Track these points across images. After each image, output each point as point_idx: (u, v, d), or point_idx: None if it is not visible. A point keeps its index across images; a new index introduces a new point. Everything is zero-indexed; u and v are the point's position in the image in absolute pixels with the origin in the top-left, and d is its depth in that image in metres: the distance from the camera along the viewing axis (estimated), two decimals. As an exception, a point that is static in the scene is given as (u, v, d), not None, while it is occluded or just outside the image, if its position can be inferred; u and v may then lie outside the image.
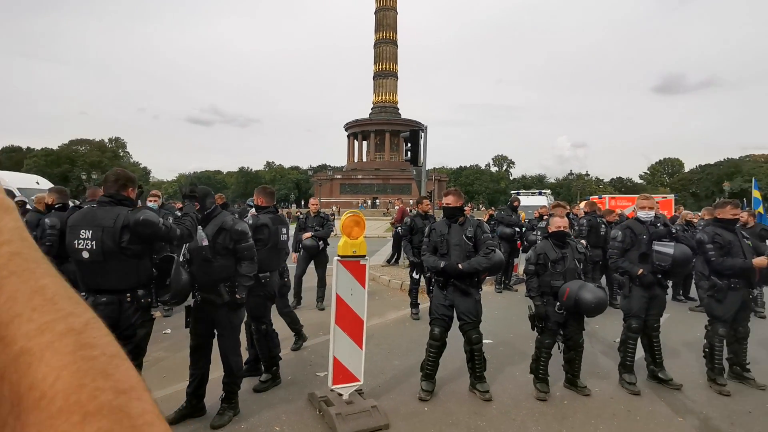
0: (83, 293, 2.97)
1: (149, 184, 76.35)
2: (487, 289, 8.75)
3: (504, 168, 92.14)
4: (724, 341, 4.26)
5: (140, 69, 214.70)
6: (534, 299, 4.00)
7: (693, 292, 7.97)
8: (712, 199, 55.28)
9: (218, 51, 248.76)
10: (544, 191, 25.31)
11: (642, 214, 4.32)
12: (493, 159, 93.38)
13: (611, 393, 4.06)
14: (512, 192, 21.53)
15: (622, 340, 4.30)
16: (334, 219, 10.52)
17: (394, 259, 11.85)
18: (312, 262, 7.14)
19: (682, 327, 6.05)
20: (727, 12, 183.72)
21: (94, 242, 2.83)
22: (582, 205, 10.54)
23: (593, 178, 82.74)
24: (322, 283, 7.12)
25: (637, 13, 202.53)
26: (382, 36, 57.59)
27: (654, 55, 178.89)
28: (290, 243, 5.09)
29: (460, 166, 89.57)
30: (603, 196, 24.20)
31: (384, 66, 57.87)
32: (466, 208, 4.71)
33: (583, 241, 7.13)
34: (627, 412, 3.71)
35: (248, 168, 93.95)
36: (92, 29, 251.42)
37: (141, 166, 77.24)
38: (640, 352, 4.34)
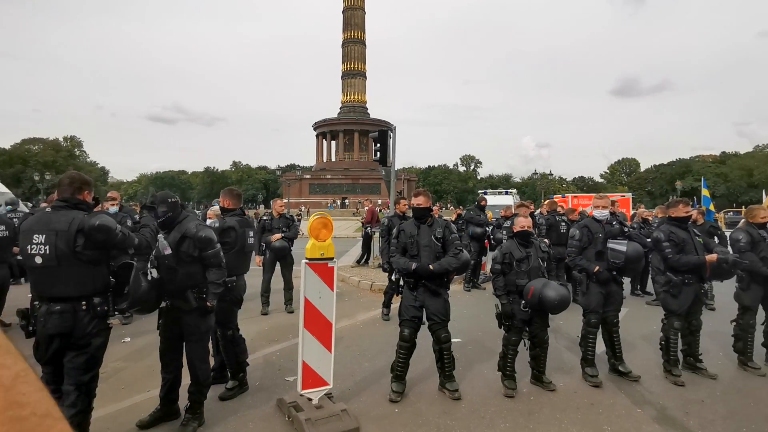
0: (36, 302, 2.82)
1: (107, 185, 73.22)
2: (456, 288, 8.87)
3: (471, 168, 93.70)
4: (679, 334, 4.48)
5: (97, 65, 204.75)
6: (500, 298, 4.07)
7: (650, 286, 8.37)
8: (666, 198, 58.15)
9: (181, 47, 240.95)
10: (510, 190, 25.88)
11: (597, 214, 4.48)
12: (461, 159, 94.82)
13: (575, 387, 4.19)
14: (479, 191, 21.90)
15: (582, 335, 4.45)
16: (300, 220, 10.38)
17: (363, 260, 11.83)
18: (278, 264, 7.04)
19: (640, 321, 6.32)
20: (678, 21, 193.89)
21: (47, 247, 2.70)
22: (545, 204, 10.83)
23: (557, 178, 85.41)
24: (289, 286, 7.02)
25: (596, 20, 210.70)
26: (350, 36, 57.39)
27: (611, 59, 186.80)
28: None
29: (429, 166, 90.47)
30: (566, 195, 25.00)
31: (352, 65, 57.70)
32: (434, 208, 4.74)
33: (546, 240, 7.33)
34: (590, 405, 3.83)
35: (214, 168, 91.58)
36: (46, 23, 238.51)
37: (98, 165, 73.86)
38: (601, 347, 4.49)
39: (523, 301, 3.97)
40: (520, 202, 7.23)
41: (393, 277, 4.20)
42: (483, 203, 9.33)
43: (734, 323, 4.77)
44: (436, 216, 4.32)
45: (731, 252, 4.75)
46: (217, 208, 5.18)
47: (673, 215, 4.59)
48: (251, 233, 4.31)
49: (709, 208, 11.62)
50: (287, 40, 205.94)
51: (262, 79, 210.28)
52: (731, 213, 28.18)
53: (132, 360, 4.88)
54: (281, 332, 5.91)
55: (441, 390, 4.03)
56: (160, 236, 3.23)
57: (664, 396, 4.01)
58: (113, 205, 6.09)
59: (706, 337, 4.74)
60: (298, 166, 79.39)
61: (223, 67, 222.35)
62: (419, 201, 4.07)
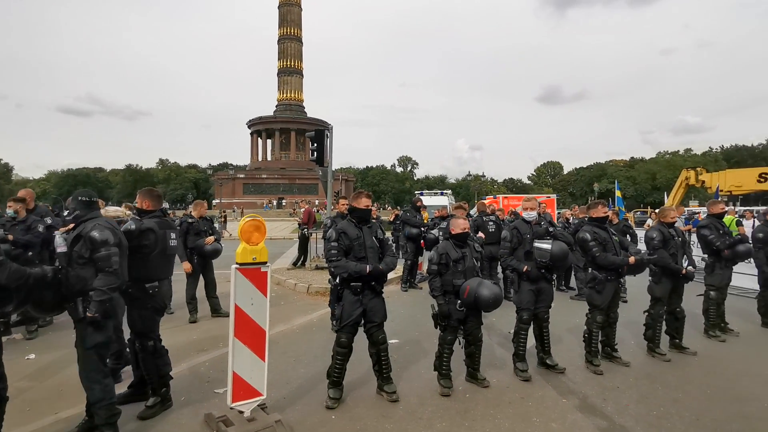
0: None
1: (11, 183, 65.61)
2: (393, 288, 8.94)
3: (408, 168, 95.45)
4: (600, 328, 4.80)
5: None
6: (437, 298, 4.11)
7: (573, 282, 8.97)
8: (585, 199, 63.09)
9: (97, 33, 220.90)
10: (445, 191, 26.63)
11: (526, 215, 4.70)
12: (398, 160, 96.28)
13: (507, 382, 4.34)
14: (416, 192, 22.31)
15: (515, 332, 4.63)
16: (225, 221, 9.93)
17: (300, 262, 11.56)
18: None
19: (565, 315, 6.71)
20: (593, 37, 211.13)
21: None
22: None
23: (489, 179, 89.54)
24: (214, 285, 6.77)
25: (522, 31, 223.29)
26: (287, 32, 56.11)
27: (537, 68, 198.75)
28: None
29: (367, 167, 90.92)
30: (497, 195, 26.20)
31: (289, 63, 56.44)
32: (372, 209, 4.70)
33: (482, 235, 7.59)
34: (521, 398, 3.99)
35: (137, 165, 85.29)
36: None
37: (1, 162, 65.94)
38: (530, 341, 4.70)
39: (459, 301, 4.04)
40: (458, 204, 7.39)
41: (332, 283, 4.07)
42: (419, 204, 9.46)
43: (646, 313, 5.20)
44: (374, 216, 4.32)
45: (644, 248, 5.19)
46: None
47: (593, 216, 4.92)
48: (173, 235, 3.99)
49: (621, 209, 12.71)
50: (220, 33, 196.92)
51: (192, 72, 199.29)
52: (639, 213, 31.24)
53: (38, 379, 4.35)
54: (211, 341, 5.58)
55: (379, 393, 3.99)
56: (57, 233, 3.04)
57: (585, 385, 4.28)
58: (12, 208, 5.40)
59: (619, 327, 5.12)
60: (232, 165, 76.27)
61: (146, 57, 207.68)
62: (368, 203, 4.01)
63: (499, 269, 8.01)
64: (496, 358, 4.98)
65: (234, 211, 44.29)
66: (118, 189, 75.12)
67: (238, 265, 3.29)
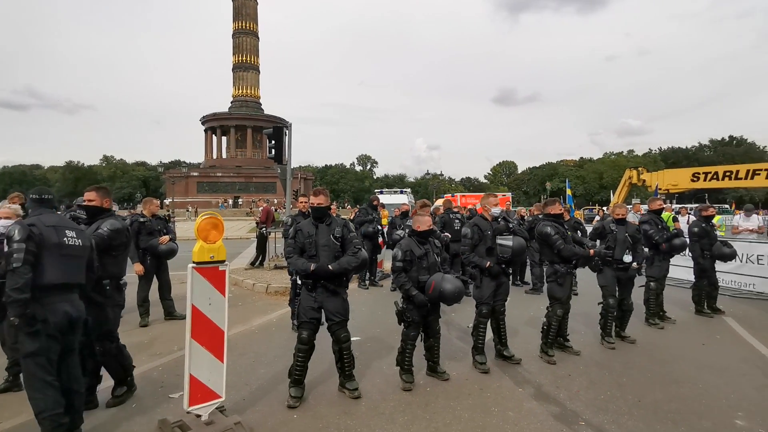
0: None
1: (-67, 181, 59.80)
2: (353, 286, 8.93)
3: (368, 167, 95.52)
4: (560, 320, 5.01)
5: None
6: (409, 290, 4.08)
7: (528, 277, 9.31)
8: (538, 197, 65.52)
9: (33, 22, 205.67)
10: (405, 190, 26.94)
11: (494, 211, 4.83)
12: (357, 158, 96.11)
13: (466, 374, 4.46)
14: (376, 191, 22.38)
15: (474, 325, 4.76)
16: (172, 220, 9.60)
17: (258, 261, 11.32)
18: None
19: (520, 308, 6.97)
20: (544, 41, 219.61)
21: None
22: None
23: (447, 178, 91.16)
24: (168, 287, 6.54)
25: (479, 33, 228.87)
26: (242, 26, 54.48)
27: (493, 70, 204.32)
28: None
29: (326, 165, 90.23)
30: (455, 194, 26.75)
31: (244, 58, 54.84)
32: (332, 207, 4.69)
33: (448, 234, 7.71)
34: (479, 390, 4.11)
35: (79, 162, 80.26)
36: None
37: None
38: (488, 334, 4.85)
39: (425, 296, 4.11)
40: (423, 201, 7.47)
41: (291, 279, 4.06)
42: (375, 202, 9.45)
43: (600, 304, 5.51)
44: (334, 215, 4.27)
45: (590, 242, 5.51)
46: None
47: (551, 212, 5.14)
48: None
49: (572, 206, 13.35)
50: (169, 24, 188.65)
51: (139, 65, 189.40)
52: (587, 210, 32.97)
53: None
54: (164, 345, 5.36)
55: (341, 390, 3.99)
56: None
57: (540, 375, 4.47)
58: None
59: (571, 318, 5.38)
60: (185, 162, 73.41)
61: (88, 48, 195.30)
62: (319, 200, 3.98)
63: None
64: (456, 352, 5.10)
65: (188, 211, 42.64)
66: (58, 187, 70.32)
67: (195, 264, 3.19)
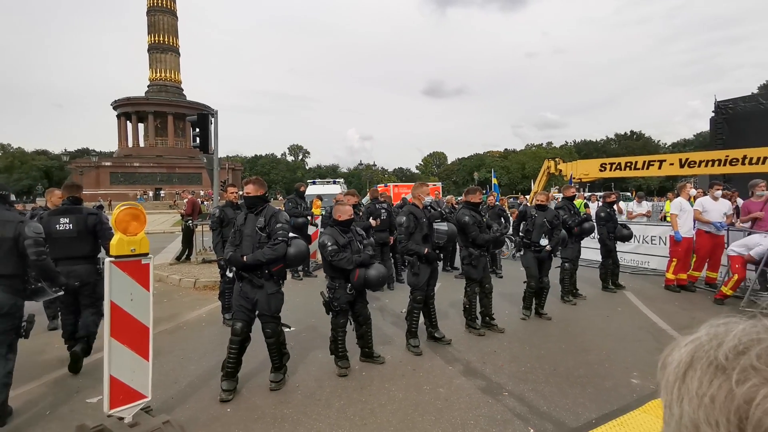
0: None
1: None
2: (288, 277, 8.80)
3: (300, 157, 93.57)
4: (477, 297, 5.36)
5: None
6: (353, 260, 4.13)
7: (457, 262, 9.75)
8: (467, 186, 68.23)
9: None
10: (338, 180, 26.83)
11: (427, 200, 5.01)
12: (289, 148, 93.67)
13: (400, 357, 4.63)
14: (309, 181, 22.07)
15: (408, 311, 4.93)
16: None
17: (185, 256, 10.74)
18: None
19: (450, 292, 7.30)
20: (470, 36, 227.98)
21: None
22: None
23: (380, 168, 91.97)
24: None
25: (409, 25, 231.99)
26: (157, 2, 50.29)
27: (423, 62, 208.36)
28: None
29: (256, 155, 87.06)
30: (388, 184, 27.11)
31: (161, 38, 50.73)
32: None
33: (373, 221, 7.81)
34: (413, 370, 4.29)
35: (-35, 151, 70.26)
36: None
37: None
38: (420, 319, 5.05)
39: (349, 284, 4.18)
40: (349, 191, 7.50)
41: (228, 273, 3.98)
42: (302, 189, 9.24)
43: (525, 283, 5.99)
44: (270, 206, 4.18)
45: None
46: None
47: (471, 200, 5.43)
48: None
49: (497, 194, 14.13)
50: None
51: (33, 42, 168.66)
52: (511, 198, 35.02)
53: None
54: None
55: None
56: None
57: (468, 352, 4.75)
58: None
59: (496, 298, 5.77)
60: (94, 151, 66.97)
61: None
62: (248, 189, 3.90)
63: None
64: (390, 337, 5.26)
65: (100, 204, 39.08)
66: (-60, 179, 61.17)
67: (113, 258, 2.99)
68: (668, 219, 9.00)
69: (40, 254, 3.38)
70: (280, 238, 3.80)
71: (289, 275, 8.84)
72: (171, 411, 3.42)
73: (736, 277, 6.46)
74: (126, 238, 3.05)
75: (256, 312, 3.88)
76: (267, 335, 3.87)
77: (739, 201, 9.13)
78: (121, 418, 3.03)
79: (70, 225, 4.31)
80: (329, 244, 4.16)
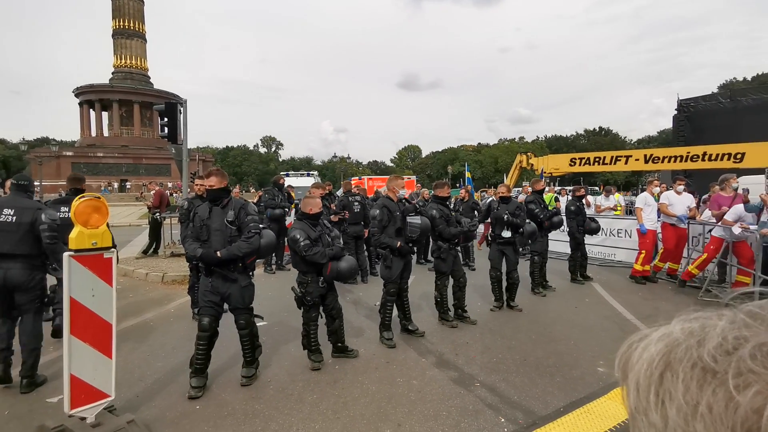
0: None
1: None
2: (258, 271, 8.67)
3: (273, 149, 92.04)
4: (449, 290, 5.43)
5: None
6: (325, 254, 4.10)
7: (429, 255, 9.81)
8: (441, 180, 68.77)
9: None
10: (312, 172, 26.56)
11: (402, 193, 5.00)
12: (261, 140, 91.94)
13: (374, 350, 4.63)
14: (282, 173, 21.75)
15: (382, 303, 4.92)
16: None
17: (152, 249, 10.42)
18: None
19: (423, 285, 7.34)
20: (444, 30, 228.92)
21: None
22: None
23: (354, 161, 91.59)
24: None
25: (383, 17, 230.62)
26: (123, -15, 48.14)
27: (397, 55, 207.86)
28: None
29: (227, 146, 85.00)
30: (363, 177, 27.02)
31: (126, 23, 48.61)
32: (234, 190, 4.47)
33: (346, 213, 7.76)
34: (386, 363, 4.29)
35: None
36: None
37: None
38: (394, 311, 5.06)
39: (321, 278, 4.14)
40: (317, 183, 7.41)
41: (189, 265, 3.85)
42: (281, 181, 9.14)
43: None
44: (237, 197, 4.08)
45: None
46: None
47: (439, 194, 5.47)
48: None
49: (471, 188, 14.28)
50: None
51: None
52: (483, 191, 35.54)
53: None
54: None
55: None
56: None
57: (441, 344, 4.80)
58: None
59: (469, 291, 5.82)
60: (55, 140, 63.81)
61: None
62: (210, 182, 3.75)
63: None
64: (363, 330, 5.24)
65: (61, 195, 37.41)
66: None
67: (72, 252, 2.85)
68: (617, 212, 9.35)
69: (52, 238, 3.75)
70: (254, 231, 3.74)
71: (260, 269, 8.71)
72: (136, 410, 3.31)
73: (705, 256, 6.76)
74: (87, 231, 2.91)
75: (225, 306, 3.81)
76: (240, 326, 3.80)
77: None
78: (83, 418, 2.91)
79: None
80: (301, 239, 4.08)
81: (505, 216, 5.92)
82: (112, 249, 3.06)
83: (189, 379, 3.64)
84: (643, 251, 7.73)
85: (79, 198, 2.96)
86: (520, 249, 6.30)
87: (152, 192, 11.84)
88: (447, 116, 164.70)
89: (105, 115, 50.75)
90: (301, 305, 4.20)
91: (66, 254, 2.85)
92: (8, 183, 7.42)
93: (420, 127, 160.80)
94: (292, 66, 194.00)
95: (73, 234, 2.88)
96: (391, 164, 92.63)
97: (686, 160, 9.62)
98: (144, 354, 4.49)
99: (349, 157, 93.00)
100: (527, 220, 6.25)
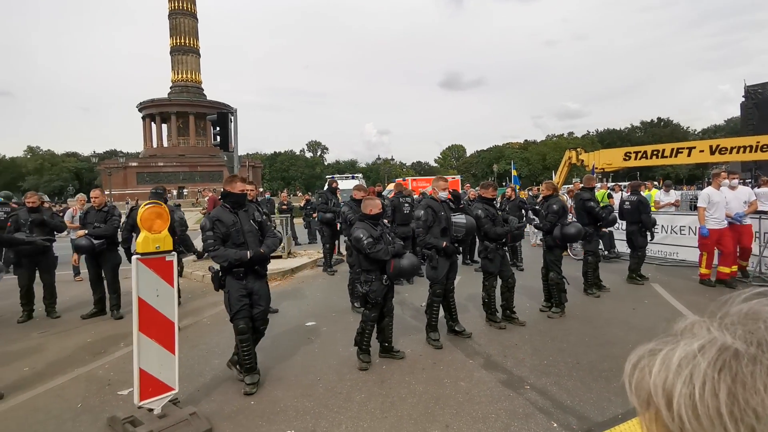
0: None
1: None
2: (308, 273, 8.91)
3: (318, 153, 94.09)
4: (497, 291, 5.32)
5: None
6: (390, 250, 4.19)
7: (476, 255, 9.67)
8: (487, 179, 67.49)
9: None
10: (356, 175, 26.94)
11: (441, 194, 4.99)
12: (307, 145, 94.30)
13: (420, 351, 4.63)
14: (327, 177, 22.19)
15: (428, 304, 4.92)
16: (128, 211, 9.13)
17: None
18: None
19: (470, 286, 7.24)
20: (487, 26, 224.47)
21: None
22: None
23: (398, 162, 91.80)
24: (113, 289, 6.16)
25: (424, 17, 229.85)
26: (179, 6, 51.20)
27: (439, 54, 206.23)
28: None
29: (275, 152, 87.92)
30: (407, 178, 27.05)
31: (183, 40, 51.73)
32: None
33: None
34: (433, 364, 4.29)
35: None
36: None
37: None
38: (440, 312, 5.04)
39: (385, 275, 4.21)
40: (358, 185, 7.50)
41: (213, 270, 3.92)
42: (335, 185, 9.32)
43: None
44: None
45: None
46: None
47: (484, 195, 5.39)
48: None
49: (517, 187, 13.92)
50: (94, 3, 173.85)
51: (60, 46, 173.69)
52: (530, 191, 34.46)
53: None
54: (107, 342, 5.13)
55: (240, 380, 3.94)
56: None
57: (489, 346, 4.72)
58: None
59: (517, 291, 5.69)
60: (122, 152, 68.83)
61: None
62: (243, 187, 3.94)
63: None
64: (410, 330, 5.26)
65: (128, 203, 40.20)
66: (-23, 182, 63.91)
67: (139, 255, 3.08)
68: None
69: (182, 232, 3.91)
70: (273, 228, 4.14)
71: (311, 271, 8.93)
72: (197, 403, 3.51)
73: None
74: (151, 236, 3.14)
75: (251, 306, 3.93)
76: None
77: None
78: (151, 410, 3.13)
79: None
80: (364, 237, 4.14)
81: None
82: (173, 252, 3.27)
83: (243, 377, 3.81)
84: (704, 253, 7.15)
85: (144, 205, 3.20)
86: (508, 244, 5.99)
87: (206, 198, 12.47)
88: (491, 114, 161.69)
89: (164, 127, 54.09)
90: (365, 304, 4.29)
91: (134, 257, 3.08)
92: (80, 196, 8.16)
93: (464, 126, 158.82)
94: (334, 70, 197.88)
95: (139, 239, 3.11)
96: (435, 164, 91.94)
97: (755, 151, 8.84)
98: (202, 351, 4.75)
99: (392, 159, 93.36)
100: (573, 219, 6.03)
